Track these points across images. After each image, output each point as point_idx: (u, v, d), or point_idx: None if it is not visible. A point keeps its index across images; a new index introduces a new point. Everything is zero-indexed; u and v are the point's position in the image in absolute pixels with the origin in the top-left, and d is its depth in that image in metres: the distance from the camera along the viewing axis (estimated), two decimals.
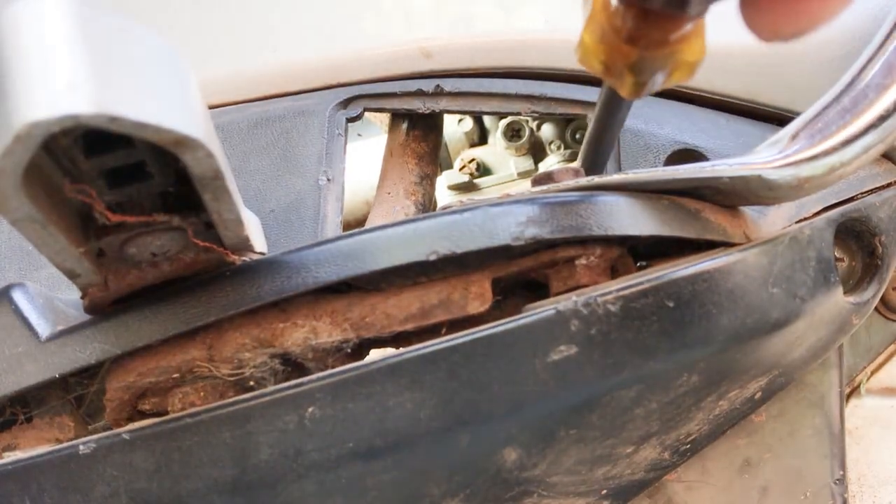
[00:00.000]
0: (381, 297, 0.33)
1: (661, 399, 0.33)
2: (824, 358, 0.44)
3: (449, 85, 0.47)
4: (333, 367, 0.32)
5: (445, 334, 0.31)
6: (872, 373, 0.52)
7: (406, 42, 0.46)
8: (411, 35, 0.47)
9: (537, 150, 0.77)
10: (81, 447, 0.30)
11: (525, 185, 0.68)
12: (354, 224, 0.80)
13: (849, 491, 0.47)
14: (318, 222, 0.43)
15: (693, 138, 0.47)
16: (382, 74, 0.47)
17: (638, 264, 0.35)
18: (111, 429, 0.33)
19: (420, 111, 0.48)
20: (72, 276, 0.28)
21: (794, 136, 0.34)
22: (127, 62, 0.21)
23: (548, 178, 0.35)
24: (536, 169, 0.80)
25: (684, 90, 0.48)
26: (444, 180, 0.85)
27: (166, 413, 0.33)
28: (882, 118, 0.33)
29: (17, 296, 0.32)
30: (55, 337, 0.32)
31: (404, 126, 0.51)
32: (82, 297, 0.31)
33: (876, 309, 0.50)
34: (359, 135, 0.87)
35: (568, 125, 0.70)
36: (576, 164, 0.40)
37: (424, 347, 0.30)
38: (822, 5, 0.23)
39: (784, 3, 0.23)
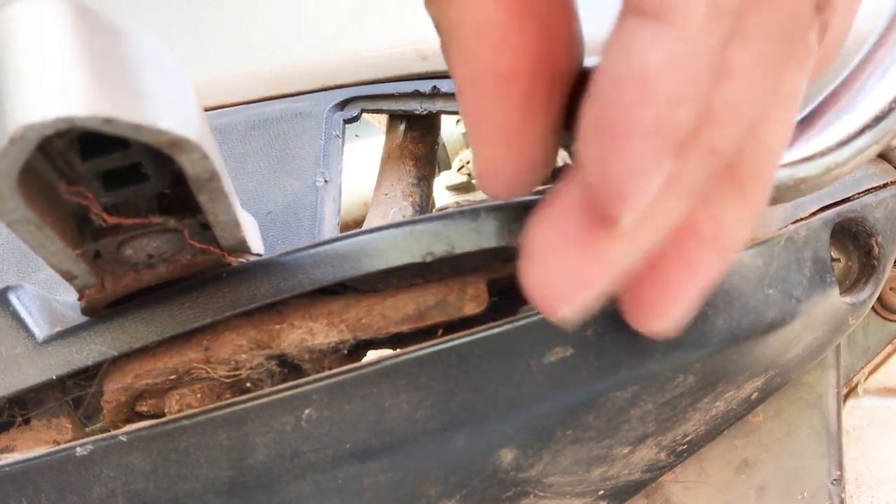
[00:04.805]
0: (378, 298, 0.33)
1: (657, 400, 0.33)
2: (821, 358, 0.44)
3: (445, 86, 0.47)
4: (330, 368, 0.32)
5: (442, 336, 0.31)
6: (870, 373, 0.52)
7: (402, 43, 0.46)
8: (407, 36, 0.47)
9: None
10: (78, 449, 0.30)
11: None
12: (353, 225, 0.80)
13: (846, 491, 0.47)
14: (315, 224, 0.43)
15: None
16: (379, 76, 0.47)
17: None
18: (109, 430, 0.33)
19: (417, 112, 0.48)
20: (68, 277, 0.28)
21: None
22: (122, 63, 0.21)
23: None
24: None
25: None
26: (442, 181, 0.85)
27: (163, 415, 0.33)
28: (878, 119, 0.33)
29: (14, 297, 0.32)
30: (52, 339, 0.32)
31: (402, 127, 0.51)
32: (79, 299, 0.31)
33: (873, 309, 0.50)
34: (356, 136, 0.87)
35: None
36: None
37: (421, 349, 0.30)
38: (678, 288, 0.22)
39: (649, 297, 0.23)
